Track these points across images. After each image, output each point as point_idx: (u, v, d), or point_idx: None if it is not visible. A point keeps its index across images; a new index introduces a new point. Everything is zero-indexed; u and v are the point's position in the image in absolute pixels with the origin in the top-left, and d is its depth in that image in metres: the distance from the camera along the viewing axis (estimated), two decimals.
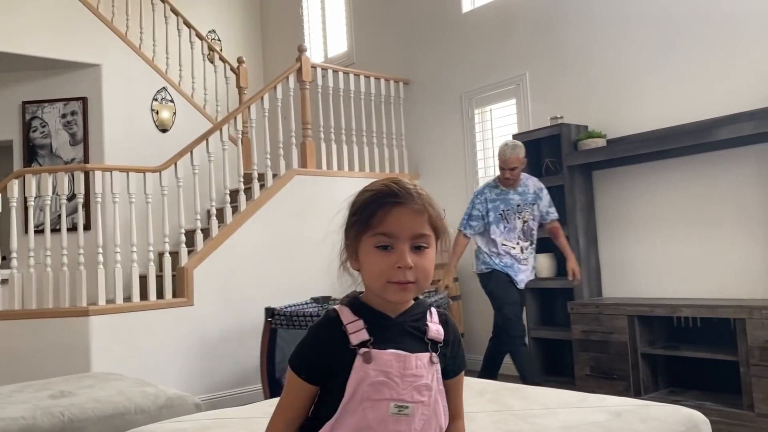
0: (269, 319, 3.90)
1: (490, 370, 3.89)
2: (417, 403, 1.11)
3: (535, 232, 3.97)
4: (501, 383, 2.47)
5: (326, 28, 6.99)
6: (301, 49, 5.21)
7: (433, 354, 1.15)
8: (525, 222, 3.92)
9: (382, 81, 5.75)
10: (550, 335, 4.40)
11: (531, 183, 3.98)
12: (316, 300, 4.29)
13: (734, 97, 3.77)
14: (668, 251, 4.09)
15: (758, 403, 3.25)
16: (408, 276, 1.10)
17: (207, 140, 4.66)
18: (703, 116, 3.87)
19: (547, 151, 4.62)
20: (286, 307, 4.01)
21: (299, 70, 5.17)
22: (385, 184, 1.15)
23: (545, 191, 4.00)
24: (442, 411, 1.17)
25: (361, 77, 5.62)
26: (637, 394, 3.67)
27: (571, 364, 4.14)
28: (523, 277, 3.93)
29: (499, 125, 5.22)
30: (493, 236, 3.91)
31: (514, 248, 3.90)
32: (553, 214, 4.00)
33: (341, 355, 1.11)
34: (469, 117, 5.41)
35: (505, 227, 3.90)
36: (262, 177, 5.00)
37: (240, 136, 5.30)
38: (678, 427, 1.84)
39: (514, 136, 4.64)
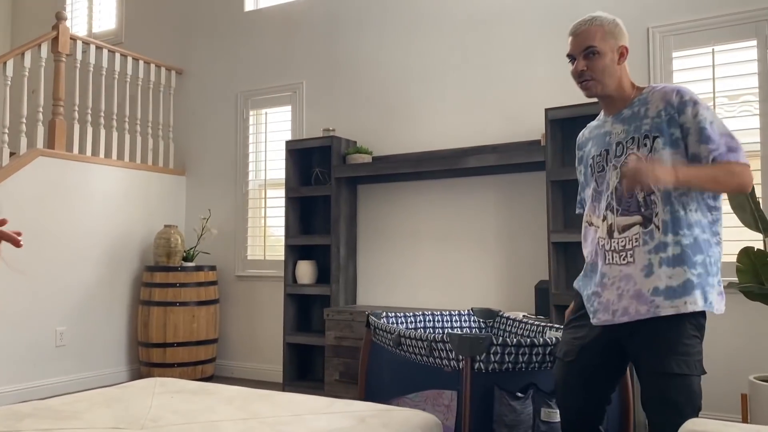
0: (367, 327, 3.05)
1: None
2: None
3: (662, 198, 1.85)
4: (251, 390, 2.43)
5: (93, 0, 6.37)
6: (60, 17, 4.65)
7: None
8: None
9: (153, 66, 5.38)
10: (306, 341, 4.47)
11: (658, 97, 1.90)
12: (476, 312, 3.36)
13: (482, 131, 4.23)
14: (418, 264, 4.42)
15: None
16: None
17: None
18: (456, 145, 4.29)
19: (318, 161, 4.72)
20: (389, 315, 3.16)
21: (55, 40, 4.61)
22: None
23: (696, 108, 1.83)
24: None
25: (129, 59, 5.20)
26: None
27: (322, 370, 4.24)
28: (607, 300, 1.91)
29: (273, 130, 5.20)
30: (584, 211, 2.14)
31: (598, 228, 2.00)
32: (717, 151, 1.81)
33: None
34: (243, 118, 5.30)
35: (595, 189, 2.05)
36: None
37: None
38: (416, 430, 1.97)
39: (288, 143, 4.66)
